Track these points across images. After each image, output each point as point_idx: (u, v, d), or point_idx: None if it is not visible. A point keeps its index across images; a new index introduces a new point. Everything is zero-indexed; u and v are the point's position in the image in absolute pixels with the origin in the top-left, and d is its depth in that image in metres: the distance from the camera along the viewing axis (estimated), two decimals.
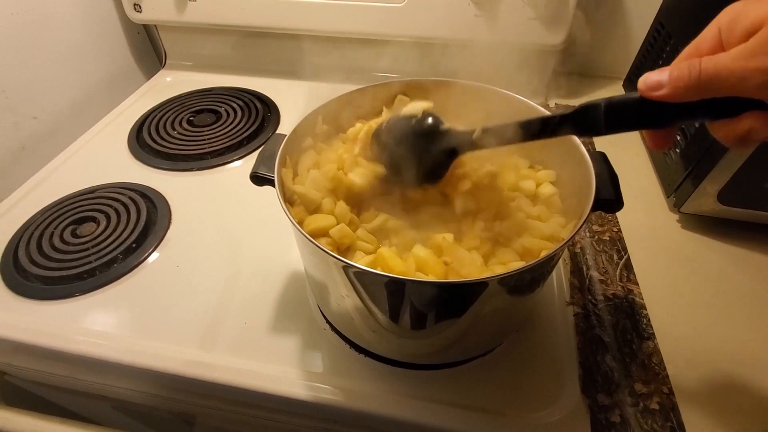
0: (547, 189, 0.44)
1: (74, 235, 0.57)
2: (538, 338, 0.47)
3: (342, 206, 0.41)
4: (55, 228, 0.58)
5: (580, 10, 0.69)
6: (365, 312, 0.38)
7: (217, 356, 0.46)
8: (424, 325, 0.38)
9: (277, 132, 0.64)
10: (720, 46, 0.25)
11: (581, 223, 0.33)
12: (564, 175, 0.44)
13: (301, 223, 0.39)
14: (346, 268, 0.33)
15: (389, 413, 0.42)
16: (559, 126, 0.31)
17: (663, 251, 0.56)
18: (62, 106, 0.79)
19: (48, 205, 0.61)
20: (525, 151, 0.48)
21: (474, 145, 0.36)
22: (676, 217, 0.59)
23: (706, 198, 0.54)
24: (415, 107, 0.40)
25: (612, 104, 0.27)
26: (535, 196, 0.44)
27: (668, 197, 0.60)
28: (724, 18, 0.25)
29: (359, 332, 0.43)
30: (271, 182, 0.39)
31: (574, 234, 0.32)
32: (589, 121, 0.28)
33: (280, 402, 0.44)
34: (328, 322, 0.48)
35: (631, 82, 0.78)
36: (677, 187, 0.57)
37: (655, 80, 0.25)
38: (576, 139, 0.40)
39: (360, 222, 0.41)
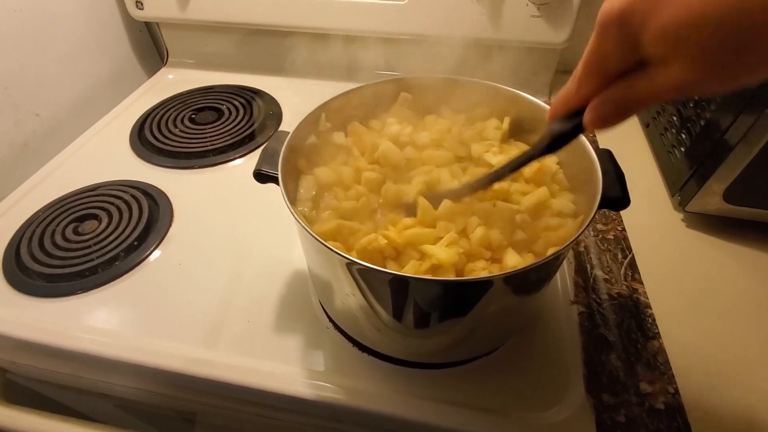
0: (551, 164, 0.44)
1: (76, 232, 0.57)
2: (542, 337, 0.47)
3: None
4: (57, 225, 0.57)
5: (584, 7, 0.69)
6: (369, 310, 0.38)
7: (220, 354, 0.46)
8: (429, 323, 0.37)
9: (280, 129, 0.64)
10: (630, 54, 0.24)
11: (589, 220, 0.33)
12: (570, 173, 0.44)
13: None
14: (350, 265, 0.33)
15: (393, 412, 0.41)
16: (524, 163, 0.34)
17: (668, 250, 0.55)
18: (64, 104, 0.78)
19: (50, 203, 0.61)
20: None
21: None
22: (681, 216, 0.59)
23: (711, 197, 0.54)
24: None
25: (561, 133, 0.30)
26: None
27: (673, 196, 0.60)
28: (621, 38, 0.24)
29: (363, 331, 0.43)
30: (274, 179, 0.38)
31: (582, 231, 0.32)
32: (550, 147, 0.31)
33: (283, 400, 0.44)
34: (331, 320, 0.48)
35: None
36: (682, 186, 0.57)
37: (595, 115, 0.27)
38: (582, 137, 0.40)
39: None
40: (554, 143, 0.30)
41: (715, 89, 0.23)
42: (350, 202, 0.42)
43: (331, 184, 0.44)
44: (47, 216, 0.59)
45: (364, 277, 0.34)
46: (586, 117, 0.27)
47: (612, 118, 0.26)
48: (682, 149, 0.59)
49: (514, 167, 0.34)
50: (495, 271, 0.36)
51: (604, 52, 0.25)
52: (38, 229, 0.57)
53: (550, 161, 0.45)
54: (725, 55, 0.21)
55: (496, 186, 0.42)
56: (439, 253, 0.35)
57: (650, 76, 0.24)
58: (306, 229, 0.33)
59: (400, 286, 0.33)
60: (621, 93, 0.25)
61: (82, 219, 0.59)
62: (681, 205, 0.57)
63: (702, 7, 0.20)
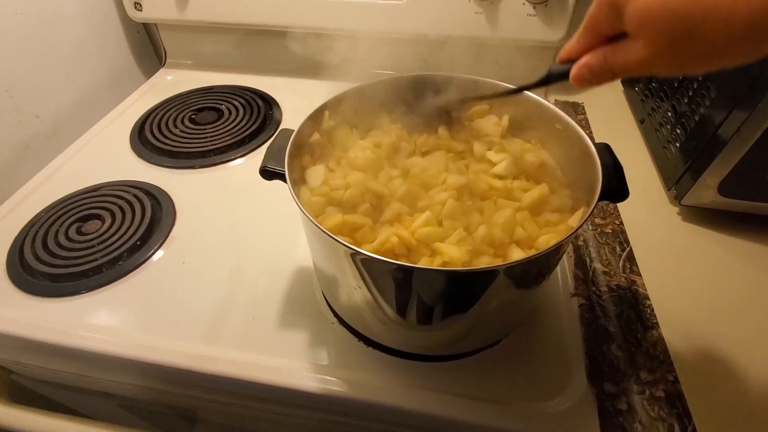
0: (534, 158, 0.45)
1: (79, 232, 0.57)
2: (544, 329, 0.47)
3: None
4: (60, 226, 0.58)
5: (579, 6, 0.70)
6: (375, 304, 0.38)
7: (225, 350, 0.46)
8: (434, 315, 0.38)
9: (283, 127, 0.64)
10: (616, 23, 0.27)
11: (590, 212, 0.33)
12: (568, 166, 0.45)
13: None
14: (355, 255, 0.34)
15: (398, 404, 0.42)
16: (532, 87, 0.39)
17: (664, 243, 0.56)
18: (64, 105, 0.78)
19: (52, 203, 0.61)
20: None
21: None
22: (677, 209, 0.60)
23: (706, 190, 0.55)
24: None
25: (554, 73, 0.35)
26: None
27: (668, 190, 0.61)
28: (608, 9, 0.27)
29: (369, 325, 0.43)
30: (280, 176, 0.39)
31: (584, 221, 0.33)
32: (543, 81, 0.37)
33: (288, 395, 0.44)
34: (336, 315, 0.48)
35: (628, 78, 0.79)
36: (678, 180, 0.58)
37: (578, 73, 0.31)
38: (580, 130, 0.40)
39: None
40: (547, 78, 0.35)
41: (666, 71, 0.27)
42: (350, 192, 0.42)
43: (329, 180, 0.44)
44: (50, 216, 0.59)
45: (369, 268, 0.35)
46: (572, 71, 0.32)
47: (588, 77, 0.31)
48: (677, 144, 0.60)
49: (512, 91, 0.42)
50: None
51: (597, 17, 0.29)
52: (41, 229, 0.57)
53: (548, 158, 0.46)
54: (676, 42, 0.24)
55: (499, 185, 0.43)
56: (451, 250, 0.36)
57: (623, 49, 0.28)
58: (312, 221, 0.33)
59: (406, 276, 0.34)
60: (598, 58, 0.29)
61: (85, 219, 0.59)
62: (677, 198, 0.58)
63: (658, 3, 0.24)
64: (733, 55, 0.24)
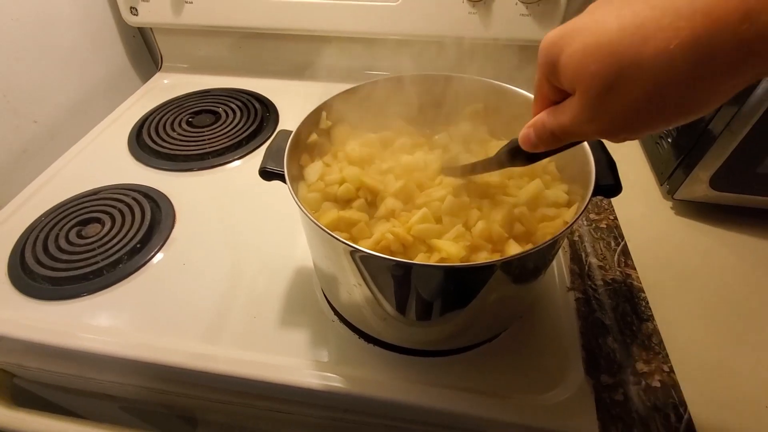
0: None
1: (80, 236, 0.58)
2: (541, 323, 0.48)
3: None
4: (60, 229, 0.58)
5: (571, 5, 0.71)
6: (374, 301, 0.39)
7: (227, 349, 0.47)
8: (433, 311, 0.39)
9: (281, 129, 0.64)
10: (554, 79, 0.26)
11: (584, 206, 0.34)
12: (562, 162, 0.45)
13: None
14: (354, 253, 0.34)
15: (399, 399, 0.43)
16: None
17: (658, 237, 0.57)
18: (61, 110, 0.79)
19: (52, 208, 0.62)
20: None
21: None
22: (670, 204, 0.61)
23: (698, 184, 0.56)
24: None
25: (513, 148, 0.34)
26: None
27: (661, 185, 0.62)
28: (546, 67, 0.26)
29: (369, 322, 0.44)
30: (280, 176, 0.39)
31: (578, 216, 0.34)
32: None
33: (289, 392, 0.45)
34: (336, 313, 0.49)
35: None
36: (670, 174, 0.59)
37: (524, 134, 0.30)
38: None
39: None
40: (509, 153, 0.34)
41: (604, 129, 0.24)
42: (344, 187, 0.43)
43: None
44: (50, 220, 0.59)
45: (368, 265, 0.35)
46: (520, 132, 0.30)
47: (534, 140, 0.29)
48: (669, 140, 0.61)
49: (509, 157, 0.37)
50: None
51: (540, 79, 0.27)
52: (42, 233, 0.57)
53: None
54: (610, 87, 0.22)
55: (495, 181, 0.44)
56: (448, 247, 0.37)
57: (561, 108, 0.26)
58: (311, 220, 0.34)
59: (405, 273, 0.35)
60: (540, 119, 0.28)
61: (85, 223, 0.59)
62: (669, 193, 0.59)
63: (589, 46, 0.22)
64: (677, 101, 0.21)
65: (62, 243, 0.56)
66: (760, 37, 0.18)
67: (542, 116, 0.28)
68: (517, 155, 0.33)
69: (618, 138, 0.25)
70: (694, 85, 0.20)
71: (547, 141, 0.28)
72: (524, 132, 0.29)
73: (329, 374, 0.44)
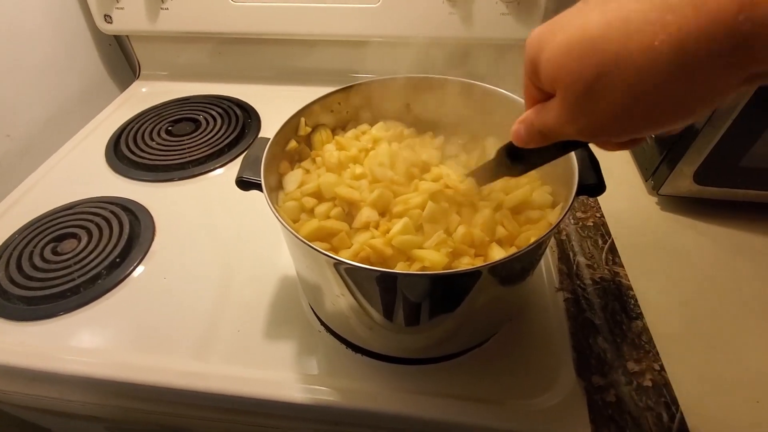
0: None
1: (55, 252, 0.56)
2: (531, 325, 0.48)
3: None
4: (34, 247, 0.56)
5: (551, 2, 0.71)
6: (360, 310, 0.38)
7: (212, 366, 0.45)
8: (420, 318, 0.38)
9: (260, 136, 0.63)
10: (536, 80, 0.25)
11: (568, 207, 0.34)
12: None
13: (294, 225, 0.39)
14: (338, 265, 0.33)
15: (389, 409, 0.42)
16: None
17: (645, 233, 0.57)
18: (36, 123, 0.76)
19: (26, 224, 0.60)
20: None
21: None
22: (656, 199, 0.61)
23: (682, 179, 0.56)
24: None
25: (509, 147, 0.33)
26: None
27: (646, 181, 0.62)
28: (528, 66, 0.25)
29: (355, 331, 0.43)
30: (257, 186, 0.38)
31: (562, 218, 0.33)
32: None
33: (278, 407, 0.44)
34: (322, 323, 0.48)
35: None
36: (654, 170, 0.59)
37: (515, 129, 0.29)
38: None
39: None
40: (509, 154, 0.33)
41: (586, 129, 0.23)
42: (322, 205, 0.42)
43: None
44: (24, 237, 0.57)
45: (352, 276, 0.35)
46: (512, 127, 0.29)
47: (525, 137, 0.28)
48: (653, 135, 0.61)
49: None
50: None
51: (524, 77, 0.26)
52: (15, 251, 0.55)
53: None
54: (590, 87, 0.21)
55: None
56: (431, 255, 0.36)
57: (546, 107, 0.25)
58: (292, 232, 0.33)
59: (389, 282, 0.34)
60: (528, 116, 0.27)
61: (60, 239, 0.57)
62: (654, 189, 0.59)
63: (570, 43, 0.21)
64: (662, 105, 0.20)
65: (37, 260, 0.54)
66: (757, 29, 0.16)
67: (530, 114, 0.27)
68: (516, 157, 0.33)
69: (602, 141, 0.24)
70: (681, 88, 0.19)
71: (536, 139, 0.27)
72: (515, 128, 0.29)
73: (318, 387, 0.43)
